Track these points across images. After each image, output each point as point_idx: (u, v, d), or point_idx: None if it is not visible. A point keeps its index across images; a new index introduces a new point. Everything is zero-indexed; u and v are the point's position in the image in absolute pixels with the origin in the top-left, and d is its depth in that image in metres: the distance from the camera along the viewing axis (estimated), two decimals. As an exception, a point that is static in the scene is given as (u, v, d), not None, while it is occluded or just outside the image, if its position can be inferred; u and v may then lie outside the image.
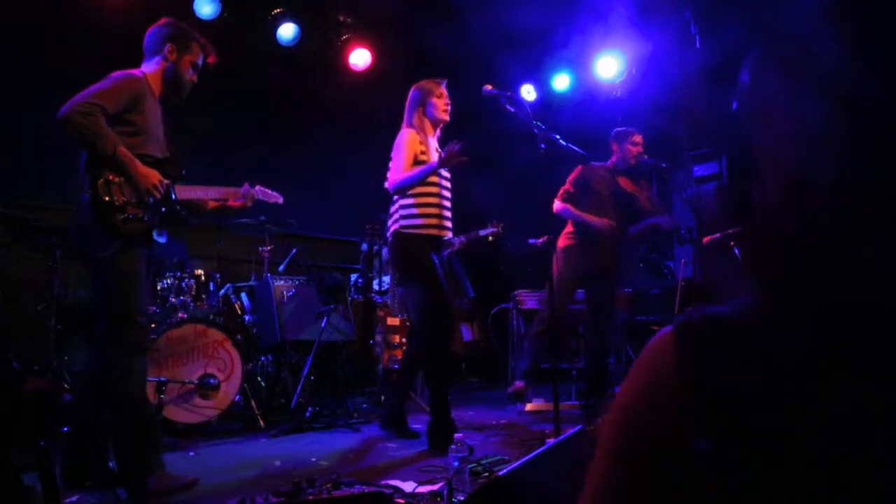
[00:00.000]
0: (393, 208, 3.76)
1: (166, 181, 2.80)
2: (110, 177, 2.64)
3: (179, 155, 3.01)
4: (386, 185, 3.68)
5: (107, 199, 2.63)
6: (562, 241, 4.65)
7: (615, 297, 4.74)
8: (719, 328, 0.59)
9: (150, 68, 2.92)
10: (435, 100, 3.71)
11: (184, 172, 2.99)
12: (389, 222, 3.78)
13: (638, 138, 4.59)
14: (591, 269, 4.49)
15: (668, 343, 0.63)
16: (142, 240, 2.75)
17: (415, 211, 3.64)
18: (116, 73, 2.76)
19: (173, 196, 2.85)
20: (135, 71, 2.85)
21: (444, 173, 3.75)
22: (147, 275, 2.83)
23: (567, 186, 4.65)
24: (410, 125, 3.71)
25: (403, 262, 3.70)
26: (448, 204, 3.74)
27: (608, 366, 4.73)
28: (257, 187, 3.26)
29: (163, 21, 2.98)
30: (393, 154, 3.66)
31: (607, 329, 4.60)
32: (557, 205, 4.65)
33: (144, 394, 2.77)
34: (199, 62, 3.02)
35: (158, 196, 2.73)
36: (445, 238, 3.77)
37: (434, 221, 3.65)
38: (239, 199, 3.15)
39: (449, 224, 3.75)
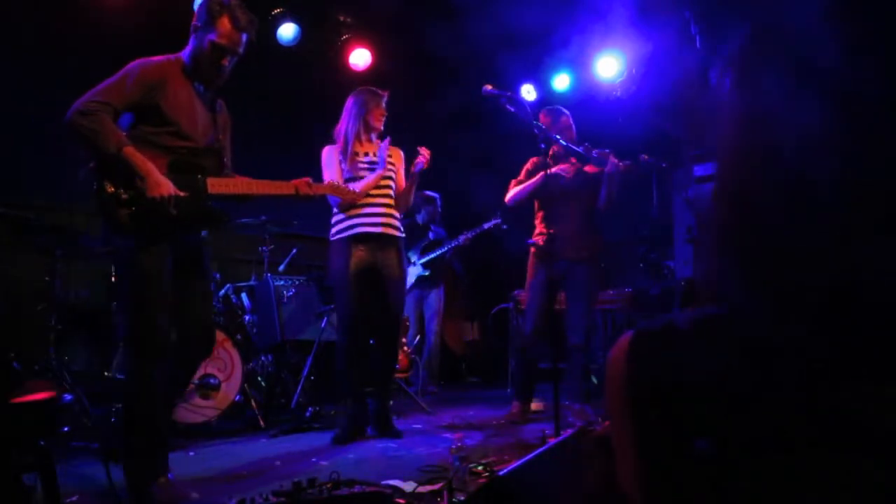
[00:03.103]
0: None
1: (181, 194, 2.50)
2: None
3: (224, 143, 2.79)
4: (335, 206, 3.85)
5: (111, 191, 2.44)
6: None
7: (593, 291, 4.44)
8: (669, 340, 0.60)
9: (184, 51, 2.68)
10: (376, 110, 3.87)
11: (225, 161, 2.78)
12: None
13: (565, 121, 4.40)
14: (566, 264, 4.33)
15: (621, 353, 0.65)
16: (158, 236, 2.51)
17: (337, 218, 3.85)
18: (130, 64, 2.57)
19: (206, 191, 2.60)
20: (155, 58, 2.62)
21: (371, 173, 3.83)
22: (167, 273, 2.56)
23: (521, 176, 4.53)
24: (339, 132, 3.90)
25: (327, 266, 3.95)
26: (382, 200, 3.82)
27: (586, 366, 4.55)
28: (328, 182, 3.02)
29: None
30: (323, 173, 3.84)
31: (583, 325, 4.30)
32: (508, 196, 4.53)
33: (150, 400, 2.53)
34: (226, 42, 2.61)
35: (165, 211, 2.46)
36: (385, 233, 3.80)
37: (362, 220, 3.76)
38: (289, 190, 2.85)
39: (385, 220, 3.82)
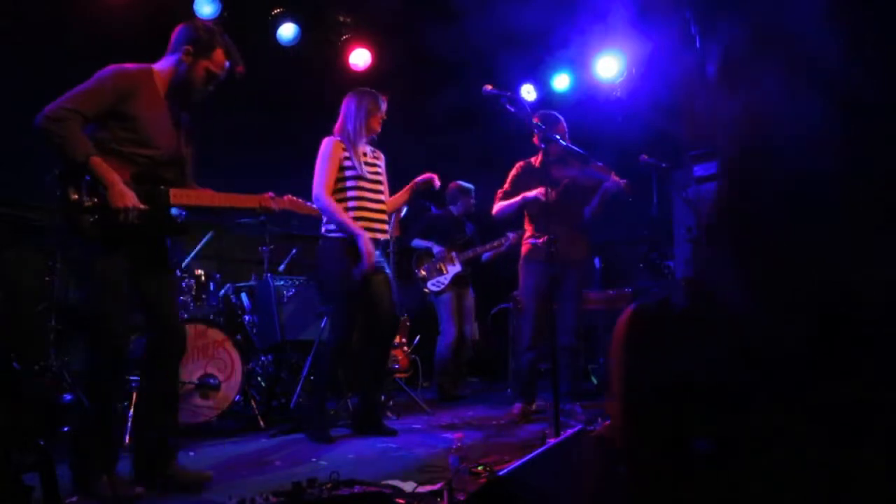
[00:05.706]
0: None
1: (142, 207, 2.55)
2: (87, 177, 2.50)
3: (187, 156, 2.85)
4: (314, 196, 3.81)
5: (75, 198, 2.49)
6: (524, 248, 4.54)
7: (583, 292, 4.46)
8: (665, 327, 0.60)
9: (162, 65, 2.78)
10: (378, 115, 3.90)
11: (187, 173, 2.84)
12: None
13: (561, 128, 4.43)
14: (559, 267, 4.27)
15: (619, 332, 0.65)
16: (118, 244, 2.57)
17: None
18: (104, 70, 2.63)
19: (167, 202, 2.66)
20: (129, 65, 2.68)
21: (372, 176, 3.85)
22: (126, 282, 2.63)
23: (506, 186, 4.56)
24: (343, 131, 3.87)
25: (319, 266, 3.94)
26: (376, 206, 3.86)
27: (575, 365, 4.52)
28: (287, 197, 2.98)
29: (194, 21, 2.84)
30: (317, 163, 3.80)
31: (574, 326, 4.31)
32: (495, 207, 4.56)
33: (104, 399, 2.60)
34: (219, 71, 2.82)
35: (127, 220, 2.51)
36: (379, 239, 3.84)
37: (362, 223, 3.77)
38: (252, 204, 2.87)
39: (380, 226, 3.86)
